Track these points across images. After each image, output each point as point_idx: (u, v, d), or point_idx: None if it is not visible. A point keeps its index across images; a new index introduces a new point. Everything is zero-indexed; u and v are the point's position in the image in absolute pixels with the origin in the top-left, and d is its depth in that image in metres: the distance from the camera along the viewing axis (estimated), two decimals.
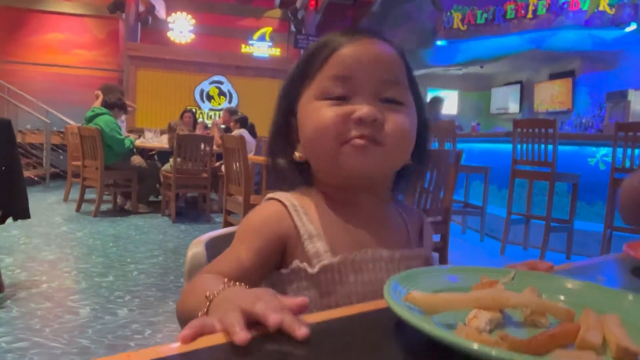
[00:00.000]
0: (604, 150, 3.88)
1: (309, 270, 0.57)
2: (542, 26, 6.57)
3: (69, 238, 3.72)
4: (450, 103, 8.47)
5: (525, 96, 8.08)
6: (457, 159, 2.85)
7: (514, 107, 8.24)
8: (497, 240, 4.10)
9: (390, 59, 0.59)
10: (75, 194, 5.11)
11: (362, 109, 0.55)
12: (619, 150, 3.33)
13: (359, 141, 0.55)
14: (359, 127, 0.55)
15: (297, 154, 0.63)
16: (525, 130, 3.71)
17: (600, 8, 6.14)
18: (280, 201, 0.61)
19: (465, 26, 7.29)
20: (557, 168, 3.53)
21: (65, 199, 5.43)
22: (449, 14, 7.43)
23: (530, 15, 6.62)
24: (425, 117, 0.65)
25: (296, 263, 0.57)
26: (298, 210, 0.59)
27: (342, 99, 0.57)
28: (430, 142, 0.67)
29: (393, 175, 0.64)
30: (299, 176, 0.65)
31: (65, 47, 9.04)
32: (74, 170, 5.30)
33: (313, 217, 0.60)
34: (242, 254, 0.57)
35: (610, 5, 6.10)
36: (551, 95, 7.46)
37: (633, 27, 6.03)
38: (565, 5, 6.41)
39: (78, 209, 4.84)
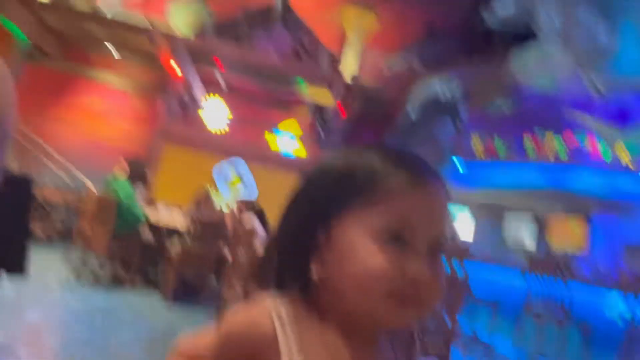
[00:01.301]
0: (620, 304, 3.74)
1: None
2: (559, 165, 6.74)
3: (59, 304, 3.59)
4: (466, 229, 8.45)
5: (540, 231, 8.04)
6: (464, 285, 2.76)
7: (529, 242, 8.15)
8: None
9: (447, 209, 0.58)
10: (77, 258, 5.04)
11: (417, 267, 0.53)
12: (638, 306, 3.20)
13: (401, 305, 0.53)
14: (411, 287, 0.53)
15: (315, 273, 0.57)
16: (540, 267, 3.63)
17: (619, 157, 6.33)
18: (267, 308, 0.56)
19: (485, 153, 7.53)
20: (573, 312, 3.38)
21: (66, 262, 5.34)
22: (470, 139, 7.71)
23: (550, 155, 6.83)
24: None
25: None
26: (282, 319, 0.55)
27: (400, 245, 0.54)
28: None
29: None
30: (304, 289, 0.59)
31: (103, 115, 9.48)
32: (82, 234, 5.27)
33: (301, 330, 0.55)
34: (212, 352, 0.56)
35: (630, 156, 6.29)
36: (567, 235, 7.42)
37: None
38: (584, 150, 6.63)
39: (75, 274, 4.73)
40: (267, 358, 0.54)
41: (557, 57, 7.21)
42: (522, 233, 8.35)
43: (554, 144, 6.83)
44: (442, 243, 0.56)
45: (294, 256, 0.59)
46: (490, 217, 8.82)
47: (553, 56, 7.33)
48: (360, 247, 0.54)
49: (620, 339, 3.24)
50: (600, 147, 6.55)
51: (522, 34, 7.97)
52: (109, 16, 8.60)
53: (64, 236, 7.37)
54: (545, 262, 3.69)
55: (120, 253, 4.97)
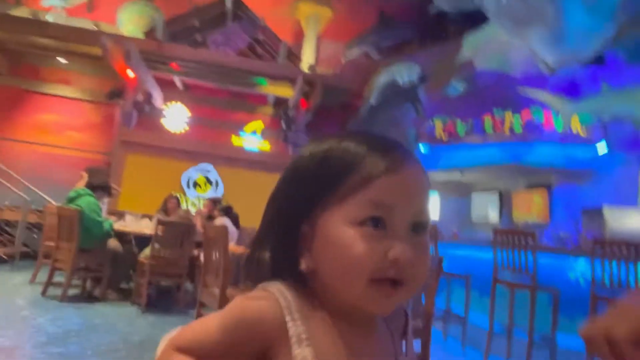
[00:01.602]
0: (583, 265, 3.92)
1: None
2: (518, 140, 6.96)
3: (30, 324, 3.49)
4: (432, 208, 8.64)
5: (505, 206, 8.31)
6: (439, 264, 2.84)
7: (493, 215, 8.42)
8: (479, 351, 3.96)
9: (427, 187, 0.58)
10: (44, 276, 4.89)
11: (400, 249, 0.53)
12: (598, 266, 3.37)
13: (387, 288, 0.53)
14: (393, 268, 0.53)
15: (304, 264, 0.58)
16: (505, 238, 3.77)
17: (573, 128, 6.59)
18: (274, 295, 0.56)
19: (446, 135, 7.70)
20: (538, 280, 3.53)
21: (32, 281, 5.17)
22: (431, 122, 7.87)
23: (507, 131, 7.05)
24: None
25: None
26: (290, 306, 0.55)
27: (379, 227, 0.54)
28: None
29: None
30: (292, 279, 0.59)
31: (58, 128, 9.21)
32: (46, 251, 5.12)
33: (307, 317, 0.55)
34: (215, 337, 0.54)
35: (582, 126, 6.56)
36: (529, 206, 7.70)
37: (603, 145, 6.43)
38: (540, 125, 6.87)
39: (44, 293, 4.59)
40: (276, 343, 0.54)
41: (506, 37, 7.41)
42: (486, 208, 8.60)
43: (512, 122, 7.04)
44: (424, 223, 0.56)
45: (282, 249, 0.59)
46: (456, 196, 9.04)
47: (502, 36, 7.52)
48: (340, 234, 0.54)
49: (586, 299, 3.40)
50: (555, 121, 6.80)
51: (473, 16, 8.16)
52: (52, 23, 8.31)
53: (28, 256, 7.13)
54: (509, 233, 3.83)
55: (88, 267, 4.84)
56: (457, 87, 8.38)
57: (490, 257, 3.93)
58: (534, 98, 6.93)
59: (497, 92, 7.79)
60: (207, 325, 0.55)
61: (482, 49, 8.07)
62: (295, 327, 0.54)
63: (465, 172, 8.16)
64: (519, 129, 6.94)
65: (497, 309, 3.82)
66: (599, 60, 6.58)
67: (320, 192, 0.57)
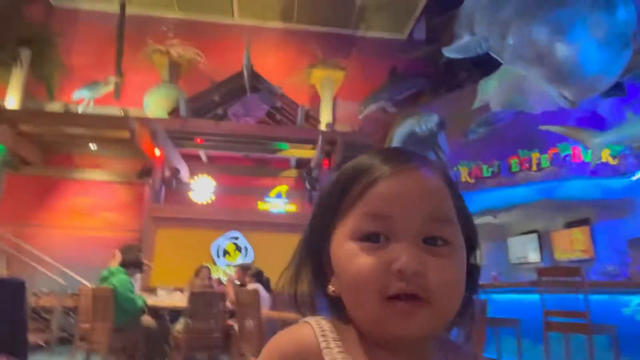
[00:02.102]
0: (638, 299, 3.65)
1: None
2: (549, 178, 6.79)
3: None
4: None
5: (544, 245, 7.97)
6: (483, 309, 2.68)
7: (534, 256, 8.07)
8: None
9: (435, 193, 0.53)
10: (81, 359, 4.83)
11: (402, 259, 0.48)
12: None
13: (403, 305, 0.49)
14: (399, 281, 0.48)
15: (331, 288, 0.55)
16: (551, 278, 3.57)
17: (604, 160, 6.40)
18: (310, 325, 0.54)
19: (473, 179, 7.58)
20: (592, 319, 3.29)
21: None
22: (455, 169, 7.79)
23: (535, 168, 6.90)
24: (476, 247, 0.58)
25: None
26: (327, 336, 0.52)
27: (380, 241, 0.51)
28: (479, 277, 0.58)
29: None
30: (332, 308, 0.57)
31: (92, 211, 9.50)
32: (82, 333, 5.09)
33: (343, 346, 0.52)
34: None
35: (613, 157, 6.37)
36: (571, 243, 7.36)
37: (639, 175, 6.20)
38: (568, 158, 6.71)
39: None
40: None
41: (520, 77, 7.46)
42: (525, 249, 8.26)
43: (540, 161, 6.92)
44: (439, 234, 0.51)
45: (312, 277, 0.58)
46: (491, 239, 8.74)
47: (516, 77, 7.58)
48: (343, 251, 0.52)
49: None
50: (584, 154, 6.65)
51: (483, 61, 8.29)
52: (82, 113, 8.83)
53: (66, 340, 7.11)
54: (554, 272, 3.63)
55: (124, 346, 4.78)
56: (477, 131, 8.37)
57: (536, 299, 3.70)
58: (559, 134, 6.84)
59: (519, 132, 7.72)
60: None
61: (498, 91, 8.12)
62: (330, 355, 0.51)
63: (497, 215, 7.93)
64: (546, 165, 6.79)
65: (553, 355, 3.55)
66: (619, 89, 6.50)
67: (333, 211, 0.55)
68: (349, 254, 0.51)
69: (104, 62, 9.90)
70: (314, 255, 0.57)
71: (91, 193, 9.62)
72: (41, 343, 6.61)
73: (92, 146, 9.45)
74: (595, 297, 3.55)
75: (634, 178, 6.24)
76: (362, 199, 0.52)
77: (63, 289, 7.29)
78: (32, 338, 6.41)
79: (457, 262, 0.52)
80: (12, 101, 9.01)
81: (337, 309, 0.55)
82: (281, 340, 0.53)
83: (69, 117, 8.61)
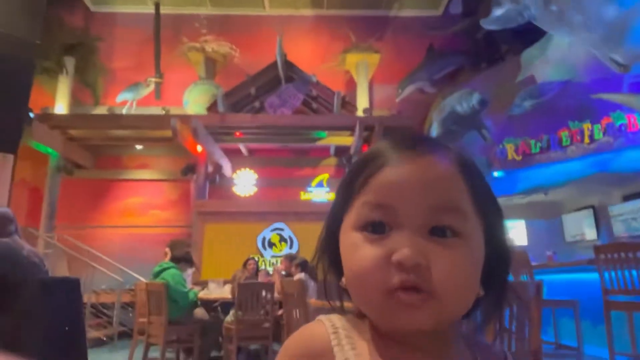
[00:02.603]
0: None
1: None
2: (603, 149, 6.42)
3: None
4: (519, 233, 8.09)
5: (601, 220, 7.58)
6: (538, 291, 2.56)
7: (590, 233, 7.70)
8: None
9: (443, 181, 0.49)
10: (140, 352, 5.04)
11: (402, 251, 0.46)
12: None
13: (404, 297, 0.46)
14: (400, 274, 0.46)
15: (343, 281, 0.54)
16: (610, 256, 3.37)
17: None
18: (322, 323, 0.53)
19: (521, 156, 7.28)
20: None
21: (130, 359, 5.34)
22: (501, 146, 7.50)
23: (587, 140, 6.54)
24: (503, 237, 0.53)
25: None
26: (339, 334, 0.51)
27: (382, 231, 0.49)
28: (509, 268, 0.54)
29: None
30: (350, 299, 0.55)
31: (143, 209, 9.86)
32: (140, 327, 5.30)
33: (358, 343, 0.50)
34: None
35: None
36: (630, 218, 6.95)
37: None
38: (623, 128, 6.31)
39: None
40: None
41: (566, 45, 7.06)
42: (581, 226, 7.89)
43: (593, 131, 6.54)
44: (445, 220, 0.48)
45: (328, 269, 0.57)
46: (544, 217, 8.41)
47: (562, 45, 7.18)
48: (348, 242, 0.51)
49: None
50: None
51: (525, 31, 7.90)
52: (126, 115, 9.12)
53: (126, 334, 7.45)
54: (615, 248, 3.42)
55: (179, 338, 4.94)
56: (523, 105, 8.01)
57: (595, 278, 3.51)
58: (612, 101, 6.43)
59: (568, 103, 7.32)
60: None
61: (542, 61, 7.72)
62: (342, 352, 0.49)
63: (549, 192, 7.60)
64: (600, 136, 6.41)
65: (616, 336, 3.36)
66: None
67: (343, 201, 0.54)
68: (352, 245, 0.50)
69: (143, 63, 10.18)
70: (331, 246, 0.56)
71: (141, 192, 9.97)
72: (103, 338, 6.95)
73: (138, 147, 9.78)
74: None
75: None
76: (366, 187, 0.51)
77: (120, 285, 7.62)
78: (95, 333, 6.77)
79: (468, 254, 0.48)
80: (61, 107, 9.42)
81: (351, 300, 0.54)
82: (293, 340, 0.53)
83: (114, 119, 8.92)
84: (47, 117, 8.58)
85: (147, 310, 4.90)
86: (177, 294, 4.76)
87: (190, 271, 5.82)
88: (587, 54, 6.70)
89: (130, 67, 10.26)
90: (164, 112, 9.20)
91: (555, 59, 7.54)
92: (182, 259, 5.20)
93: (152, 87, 9.86)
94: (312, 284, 4.80)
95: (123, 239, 9.39)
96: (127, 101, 9.53)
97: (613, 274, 3.34)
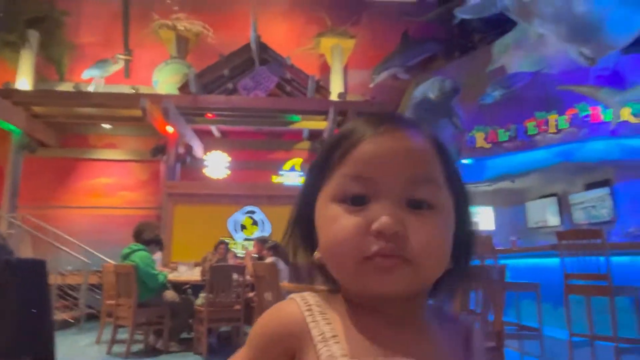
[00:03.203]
0: None
1: None
2: (567, 139, 6.64)
3: None
4: (486, 219, 8.32)
5: (564, 208, 7.87)
6: (501, 274, 2.66)
7: (553, 219, 7.98)
8: None
9: (419, 154, 0.51)
10: (108, 334, 4.99)
11: (381, 219, 0.48)
12: None
13: (381, 261, 0.48)
14: (379, 241, 0.48)
15: (316, 254, 0.55)
16: (571, 242, 3.52)
17: (624, 119, 6.22)
18: (295, 300, 0.54)
19: (489, 144, 7.45)
20: (614, 281, 3.25)
21: (98, 341, 5.29)
22: (471, 134, 7.66)
23: (553, 130, 6.75)
24: (469, 215, 0.56)
25: None
26: (313, 310, 0.52)
27: (361, 203, 0.50)
28: (474, 244, 0.57)
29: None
30: (321, 276, 0.56)
31: (110, 190, 9.64)
32: (108, 309, 5.25)
33: (332, 318, 0.52)
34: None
35: (634, 115, 6.18)
36: (590, 206, 7.25)
37: None
38: (587, 119, 6.53)
39: (109, 351, 4.67)
40: (301, 345, 0.50)
41: (536, 37, 7.21)
42: (544, 213, 8.18)
43: (558, 122, 6.74)
44: (420, 192, 0.50)
45: (301, 246, 0.58)
46: (510, 205, 8.67)
47: (532, 36, 7.33)
48: (324, 213, 0.52)
49: None
50: (604, 114, 6.46)
51: (498, 21, 8.02)
52: (93, 92, 8.84)
53: (93, 317, 7.34)
54: (575, 235, 3.57)
55: (149, 321, 4.91)
56: (493, 94, 8.17)
57: (556, 263, 3.67)
58: (578, 93, 6.63)
59: (536, 93, 7.50)
60: (236, 355, 0.54)
61: (513, 52, 7.87)
62: (317, 327, 0.50)
63: (515, 179, 7.83)
64: (565, 126, 6.62)
65: (574, 318, 3.53)
66: (639, 46, 6.24)
67: (318, 176, 0.54)
68: (331, 216, 0.51)
69: (111, 40, 9.85)
70: (303, 223, 0.57)
71: (108, 172, 9.73)
72: (70, 320, 6.83)
73: (106, 126, 9.51)
74: (616, 259, 3.50)
75: None
76: (344, 161, 0.51)
77: (87, 267, 7.47)
78: (61, 315, 6.64)
79: (442, 225, 0.51)
80: (24, 83, 9.05)
81: (326, 277, 0.55)
82: (266, 319, 0.54)
83: (81, 96, 8.64)
84: (10, 93, 8.23)
85: (115, 292, 4.85)
86: (146, 276, 4.71)
87: (159, 253, 5.78)
88: (556, 46, 6.87)
89: (98, 43, 9.91)
90: (133, 90, 8.96)
91: (526, 50, 7.70)
92: (152, 242, 5.14)
93: (120, 64, 9.56)
94: (283, 267, 4.83)
95: (90, 220, 9.17)
96: (94, 78, 9.22)
97: (573, 259, 3.50)
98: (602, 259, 3.29)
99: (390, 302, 0.51)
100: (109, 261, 7.12)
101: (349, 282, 0.51)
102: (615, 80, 6.79)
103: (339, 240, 0.49)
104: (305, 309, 0.52)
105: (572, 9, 5.97)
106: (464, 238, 0.55)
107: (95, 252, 7.94)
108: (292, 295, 0.55)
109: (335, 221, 0.50)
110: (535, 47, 7.55)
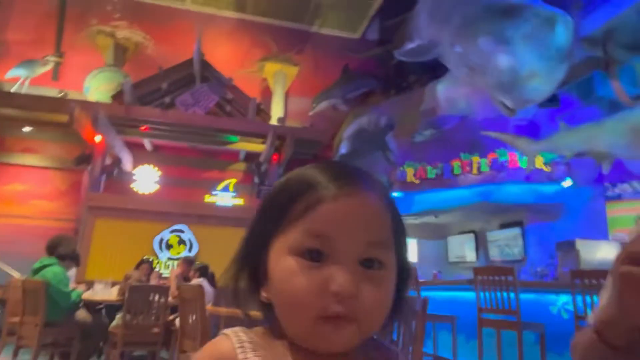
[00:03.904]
0: (564, 298, 3.93)
1: None
2: (487, 181, 7.14)
3: None
4: (411, 251, 8.64)
5: (480, 245, 8.37)
6: (424, 307, 2.78)
7: (470, 255, 8.46)
8: None
9: (377, 218, 0.54)
10: (8, 355, 4.54)
11: (339, 280, 0.50)
12: (579, 298, 3.37)
13: (336, 322, 0.51)
14: (336, 303, 0.50)
15: (263, 295, 0.57)
16: (486, 277, 3.76)
17: (537, 166, 6.81)
18: (228, 337, 0.55)
19: (418, 180, 7.82)
20: (522, 317, 3.50)
21: None
22: (402, 169, 8.01)
23: (475, 171, 7.23)
24: (407, 262, 0.61)
25: None
26: (245, 347, 0.53)
27: (318, 259, 0.52)
28: (410, 282, 0.62)
29: None
30: (265, 315, 0.58)
31: (23, 198, 8.94)
32: (10, 328, 4.79)
33: (264, 356, 0.53)
34: None
35: (546, 164, 6.79)
36: (504, 244, 7.78)
37: (568, 182, 6.65)
38: (505, 164, 7.08)
39: None
40: None
41: (465, 84, 7.76)
42: (463, 249, 8.65)
43: (480, 164, 7.24)
44: (376, 258, 0.53)
45: (247, 280, 0.59)
46: (433, 238, 9.08)
47: (462, 83, 7.88)
48: (280, 265, 0.53)
49: (571, 333, 3.37)
50: (520, 160, 7.03)
51: (432, 65, 8.54)
52: (16, 92, 8.28)
53: None
54: (489, 271, 3.83)
55: (56, 341, 4.54)
56: (424, 133, 8.63)
57: (472, 298, 3.90)
58: (498, 139, 7.19)
59: (463, 136, 8.04)
60: None
61: (444, 96, 8.42)
62: None
63: (439, 215, 8.24)
64: (486, 169, 7.12)
65: (485, 350, 3.75)
66: (554, 100, 6.91)
67: (275, 221, 0.55)
68: (287, 270, 0.52)
69: (42, 39, 9.32)
70: (251, 259, 0.58)
71: (23, 179, 9.04)
72: None
73: (26, 129, 8.88)
74: (525, 296, 3.78)
75: (564, 184, 6.69)
76: (306, 216, 0.53)
77: None
78: None
79: (388, 283, 0.55)
80: None
81: (268, 314, 0.57)
82: (199, 356, 0.55)
83: (2, 96, 8.04)
84: None
85: (20, 310, 4.45)
86: (58, 294, 4.38)
87: (74, 270, 5.41)
88: (482, 95, 7.45)
89: (27, 42, 9.33)
90: (61, 94, 8.48)
91: (455, 95, 8.26)
92: (68, 257, 4.81)
93: (49, 66, 9.05)
94: (210, 290, 4.71)
95: None
96: (19, 78, 8.64)
97: (487, 294, 3.74)
98: (512, 295, 3.55)
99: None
100: (15, 275, 6.55)
101: (300, 337, 0.53)
102: (531, 130, 7.46)
103: (298, 298, 0.51)
104: (237, 345, 0.53)
105: (496, 64, 6.50)
106: (402, 276, 0.59)
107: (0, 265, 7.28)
108: (225, 331, 0.56)
109: (293, 276, 0.51)
110: (463, 94, 8.13)
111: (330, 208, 0.52)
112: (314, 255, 0.52)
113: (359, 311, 0.51)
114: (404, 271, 0.59)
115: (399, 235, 0.58)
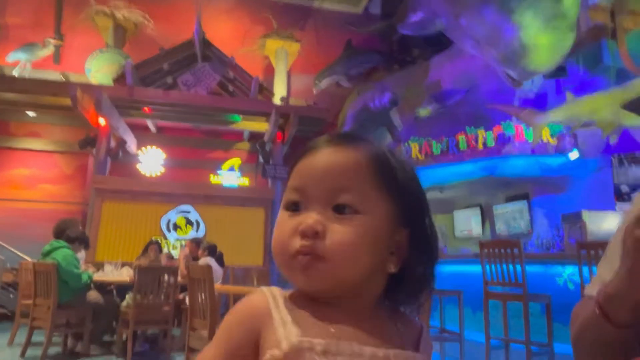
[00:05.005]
0: (570, 269, 3.94)
1: (277, 352, 0.53)
2: (492, 154, 7.08)
3: None
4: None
5: (487, 218, 8.38)
6: None
7: (477, 229, 8.48)
8: None
9: (343, 166, 0.58)
10: (22, 336, 4.65)
11: (306, 221, 0.56)
12: (585, 269, 3.38)
13: (301, 258, 0.56)
14: (301, 240, 0.56)
15: None
16: (491, 250, 3.77)
17: (544, 139, 6.74)
18: (263, 291, 0.60)
19: (423, 155, 7.78)
20: (528, 288, 3.52)
21: (10, 343, 4.92)
22: (406, 144, 7.96)
23: (480, 145, 7.17)
24: (424, 221, 0.62)
25: (267, 352, 0.54)
26: (277, 299, 0.58)
27: (298, 209, 0.58)
28: (431, 250, 0.62)
29: (375, 283, 0.60)
30: None
31: (30, 182, 9.01)
32: (24, 309, 4.90)
33: (291, 306, 0.58)
34: (212, 354, 0.57)
35: (552, 136, 6.71)
36: (510, 218, 7.78)
37: (575, 154, 6.59)
38: (512, 137, 7.01)
39: (23, 354, 4.36)
40: (263, 329, 0.55)
41: (470, 57, 7.65)
42: (469, 223, 8.66)
43: (485, 138, 7.17)
44: (343, 199, 0.57)
45: None
46: (439, 213, 9.09)
47: (467, 56, 7.76)
48: (276, 221, 0.61)
49: (576, 301, 3.39)
50: (526, 133, 6.96)
51: (436, 39, 8.40)
52: (18, 77, 8.25)
53: (5, 317, 6.81)
54: (495, 245, 3.84)
55: (69, 322, 4.63)
56: (429, 108, 8.55)
57: (478, 271, 3.92)
58: (504, 112, 7.10)
59: (468, 110, 7.96)
60: (209, 347, 0.58)
61: (449, 69, 8.31)
62: (279, 314, 0.56)
63: (444, 190, 8.22)
64: (492, 144, 7.06)
65: (491, 322, 3.79)
66: (561, 71, 6.79)
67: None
68: (277, 222, 0.61)
69: (42, 22, 9.24)
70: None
71: (29, 163, 9.09)
72: None
73: (30, 113, 8.89)
74: (531, 268, 3.80)
75: (571, 156, 6.63)
76: (292, 173, 0.62)
77: (2, 263, 6.93)
78: None
79: (360, 227, 0.56)
80: None
81: None
82: (236, 306, 0.60)
83: (5, 80, 8.02)
84: None
85: (32, 292, 4.54)
86: (68, 275, 4.45)
87: (84, 252, 5.47)
88: (487, 67, 7.34)
89: (27, 25, 9.25)
90: (63, 78, 8.45)
91: (460, 68, 8.15)
92: (77, 239, 4.87)
93: (50, 49, 8.99)
94: (217, 269, 4.77)
95: (5, 214, 8.52)
96: (20, 61, 8.60)
97: (493, 267, 3.76)
98: (518, 267, 3.56)
99: (339, 298, 0.58)
100: (26, 258, 6.66)
101: (286, 277, 0.59)
102: (537, 102, 7.36)
103: (277, 243, 0.59)
104: (270, 297, 0.58)
105: (502, 35, 6.38)
106: (420, 242, 0.61)
107: (10, 248, 7.39)
108: (261, 287, 0.61)
109: (278, 226, 0.60)
110: (469, 67, 8.01)
111: (305, 163, 0.60)
112: (294, 207, 0.59)
113: (325, 250, 0.55)
114: (420, 233, 0.61)
115: (393, 190, 0.60)
